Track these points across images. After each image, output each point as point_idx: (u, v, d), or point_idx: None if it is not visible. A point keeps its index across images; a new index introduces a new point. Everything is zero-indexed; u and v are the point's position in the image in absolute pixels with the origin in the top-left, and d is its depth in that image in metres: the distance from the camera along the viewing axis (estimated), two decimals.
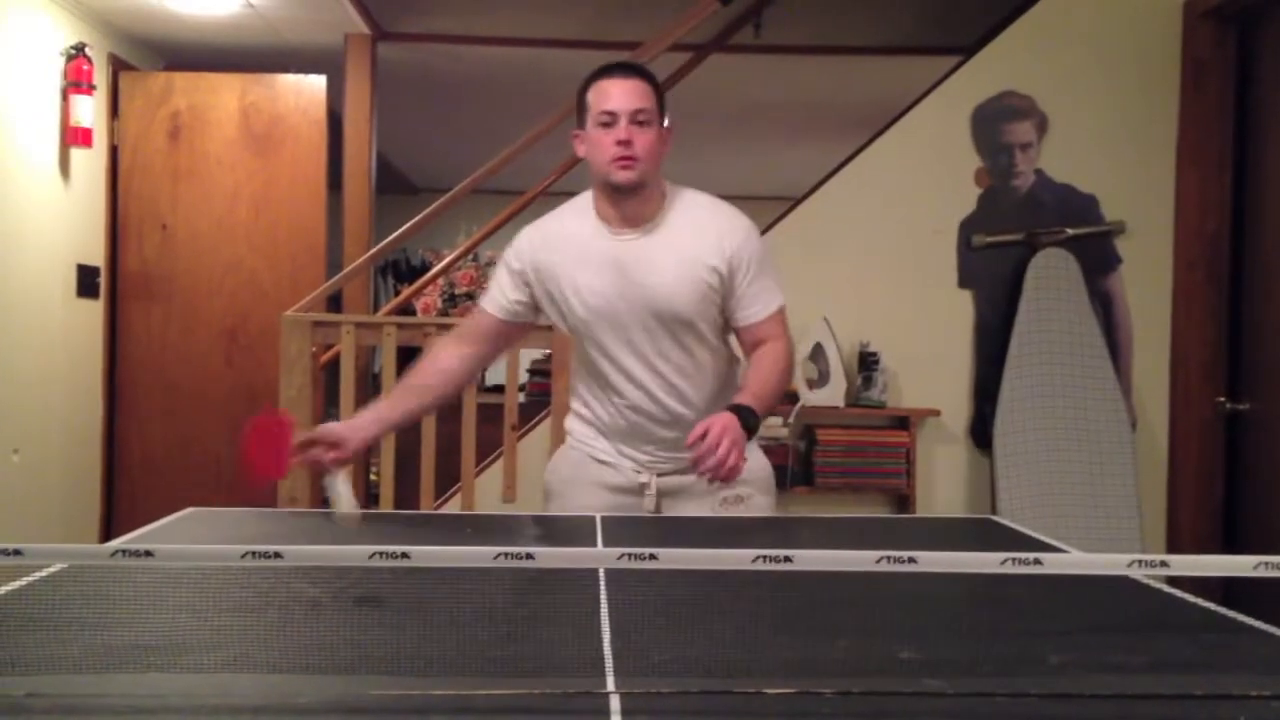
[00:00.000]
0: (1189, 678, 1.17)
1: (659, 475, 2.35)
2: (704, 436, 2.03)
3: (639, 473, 2.36)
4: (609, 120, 2.22)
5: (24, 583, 1.44)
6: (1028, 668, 1.21)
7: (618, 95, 2.22)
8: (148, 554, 1.09)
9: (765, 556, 1.11)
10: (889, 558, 1.10)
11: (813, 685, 1.13)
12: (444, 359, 2.42)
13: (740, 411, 2.10)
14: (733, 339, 2.40)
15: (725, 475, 2.04)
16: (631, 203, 2.26)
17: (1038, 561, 1.10)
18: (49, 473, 4.40)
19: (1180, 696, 1.12)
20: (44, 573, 1.47)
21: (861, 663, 1.22)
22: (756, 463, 2.34)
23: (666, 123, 2.32)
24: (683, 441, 2.15)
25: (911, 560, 1.10)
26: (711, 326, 2.31)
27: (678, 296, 2.24)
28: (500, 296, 2.39)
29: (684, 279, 2.24)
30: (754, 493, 2.35)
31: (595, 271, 2.28)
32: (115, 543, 1.14)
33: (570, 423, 2.51)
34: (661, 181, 2.32)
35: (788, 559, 1.11)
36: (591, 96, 2.27)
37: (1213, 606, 1.42)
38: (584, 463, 2.43)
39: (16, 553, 1.09)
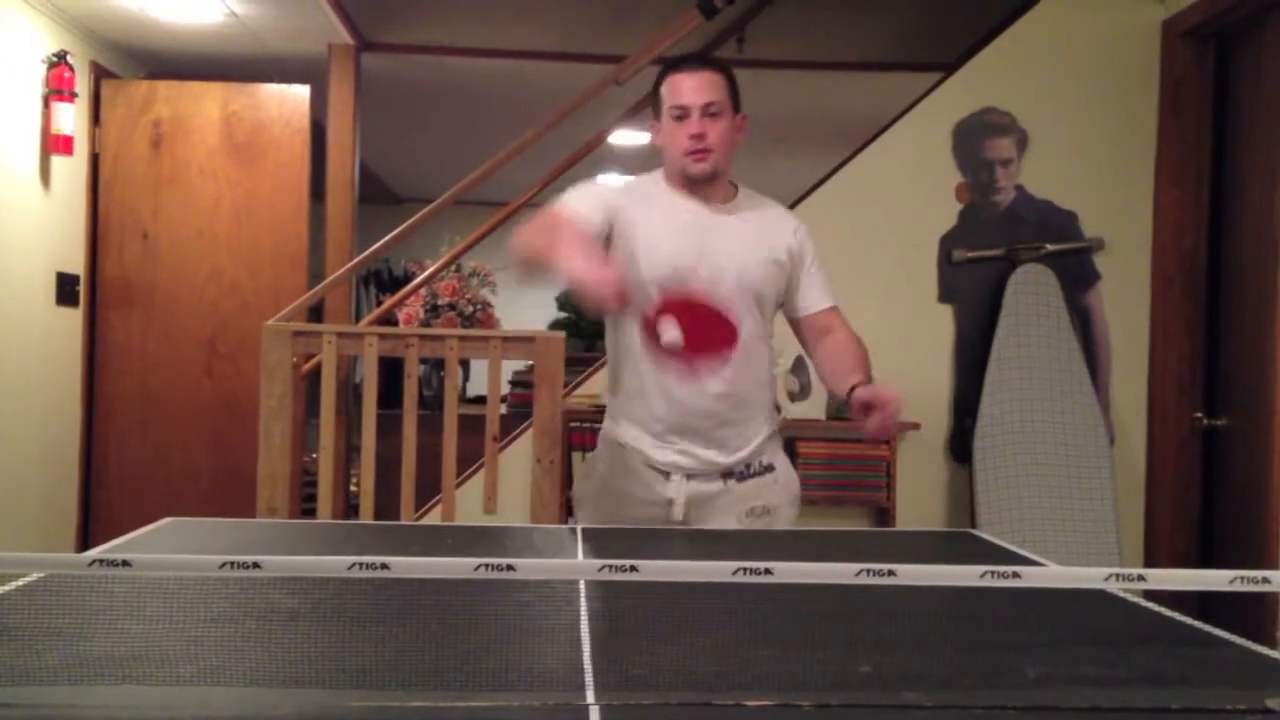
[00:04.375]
0: (1166, 691, 1.18)
1: (688, 478, 2.35)
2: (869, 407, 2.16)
3: (667, 481, 2.35)
4: (681, 114, 2.30)
5: None
6: (1006, 681, 1.22)
7: (689, 89, 2.30)
8: (125, 564, 1.08)
9: (746, 569, 1.11)
10: (868, 570, 1.11)
11: (792, 698, 1.13)
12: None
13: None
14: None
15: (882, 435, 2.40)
16: (706, 190, 2.36)
17: (1016, 575, 1.10)
18: (26, 481, 4.36)
19: (1157, 710, 1.13)
20: (19, 582, 1.46)
21: (840, 675, 1.22)
22: (784, 475, 2.46)
23: (741, 113, 2.39)
24: (717, 436, 2.31)
25: (890, 573, 1.11)
26: (771, 311, 2.44)
27: (756, 269, 2.33)
28: (582, 211, 2.28)
29: (762, 255, 2.34)
30: (781, 504, 2.42)
31: (678, 233, 2.32)
32: (93, 552, 1.13)
33: (604, 430, 2.53)
34: (732, 171, 2.41)
35: (768, 571, 1.11)
36: (665, 90, 2.34)
37: (1189, 620, 1.43)
38: (615, 474, 2.43)
39: None
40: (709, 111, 2.28)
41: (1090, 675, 1.22)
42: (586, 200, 2.32)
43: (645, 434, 2.38)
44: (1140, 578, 1.11)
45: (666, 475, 2.36)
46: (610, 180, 2.45)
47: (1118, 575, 1.10)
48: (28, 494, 4.39)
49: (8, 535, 4.22)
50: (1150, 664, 1.27)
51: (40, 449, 4.47)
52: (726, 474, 2.37)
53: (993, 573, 1.11)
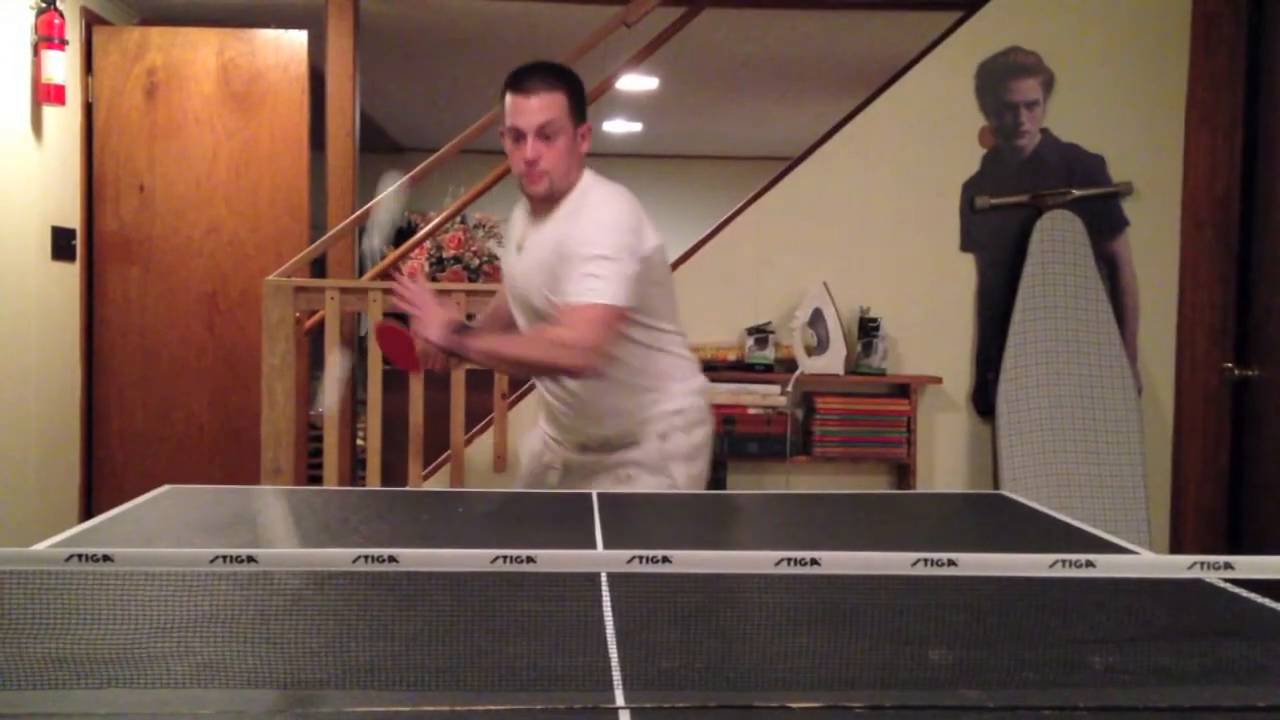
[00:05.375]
0: (1251, 687, 1.07)
1: (567, 452, 2.56)
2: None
3: (545, 450, 2.62)
4: (517, 136, 2.32)
5: None
6: (1072, 674, 1.11)
7: (523, 113, 2.30)
8: (106, 559, 0.98)
9: (790, 559, 1.00)
10: (926, 560, 1.00)
11: (841, 698, 1.03)
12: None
13: (460, 324, 2.30)
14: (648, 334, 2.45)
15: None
16: (543, 204, 2.39)
17: (1090, 564, 0.99)
18: (25, 442, 4.27)
19: (1242, 708, 1.02)
20: None
21: (892, 670, 1.12)
22: (650, 450, 2.44)
23: (585, 123, 2.40)
24: (573, 424, 2.49)
25: (951, 563, 1.00)
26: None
27: (531, 286, 2.38)
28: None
29: (537, 270, 2.35)
30: (641, 473, 2.43)
31: (511, 260, 2.50)
32: (69, 545, 1.02)
33: None
34: (578, 177, 2.39)
35: (814, 562, 1.01)
36: (505, 107, 2.36)
37: (1275, 605, 1.32)
38: (532, 431, 2.74)
39: None
40: (544, 134, 2.29)
41: (1164, 667, 1.12)
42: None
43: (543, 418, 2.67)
44: (1228, 565, 1.00)
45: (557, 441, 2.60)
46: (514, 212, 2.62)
47: (1202, 564, 0.99)
48: (28, 454, 4.30)
49: (8, 497, 4.14)
50: (1232, 655, 1.16)
51: (40, 408, 4.38)
52: (598, 450, 2.50)
53: (1063, 561, 1.00)
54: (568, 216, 2.34)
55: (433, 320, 2.24)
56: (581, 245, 2.24)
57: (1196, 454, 3.86)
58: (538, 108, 2.28)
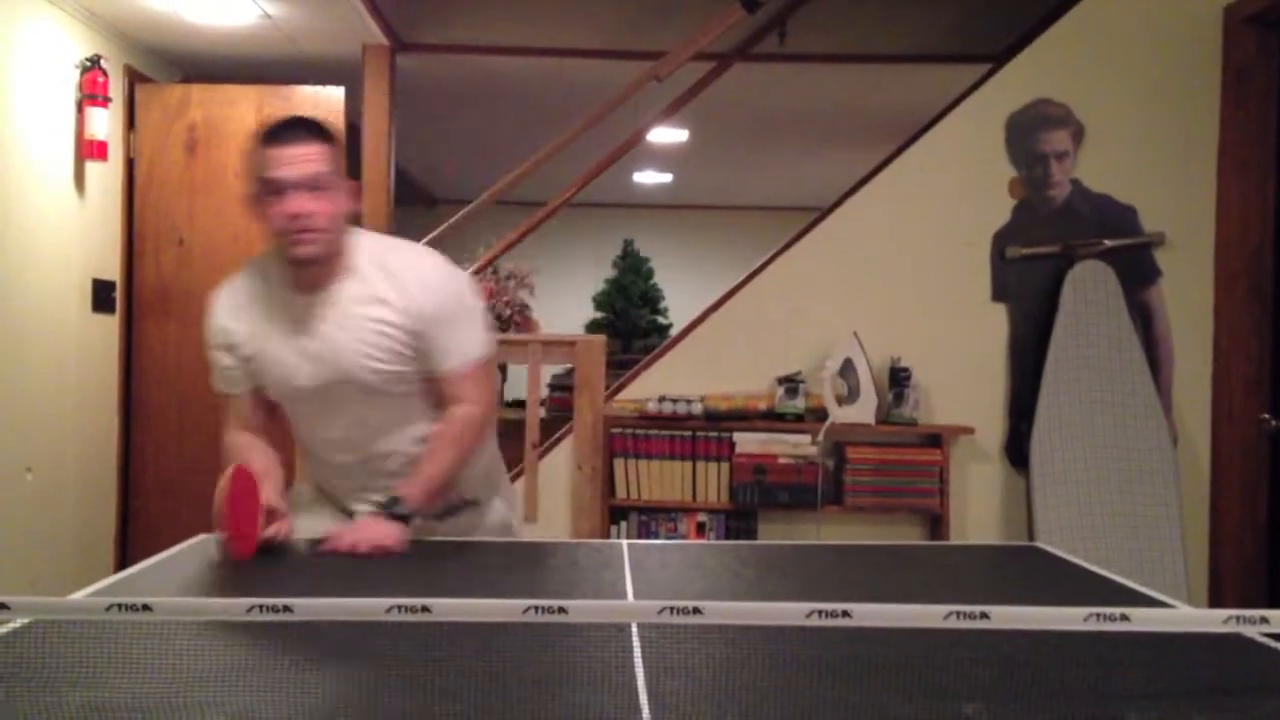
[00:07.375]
0: None
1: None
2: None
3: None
4: (277, 190, 2.00)
5: (8, 629, 1.34)
6: None
7: (286, 162, 1.99)
8: (145, 608, 0.99)
9: (821, 611, 1.00)
10: (959, 613, 1.00)
11: None
12: (245, 449, 2.19)
13: (393, 506, 2.07)
14: None
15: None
16: (313, 272, 2.08)
17: (1125, 618, 0.99)
18: (63, 491, 4.32)
19: None
20: (29, 619, 1.36)
21: None
22: (493, 511, 2.36)
23: (353, 179, 2.14)
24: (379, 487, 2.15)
25: (984, 616, 1.00)
26: (399, 378, 2.14)
27: (353, 363, 2.09)
28: (220, 372, 2.25)
29: (361, 345, 2.08)
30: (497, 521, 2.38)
31: (281, 337, 2.13)
32: (107, 595, 1.04)
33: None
34: (349, 238, 2.11)
35: (846, 614, 1.01)
36: (260, 163, 2.03)
37: None
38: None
39: (2, 607, 0.99)
40: (313, 186, 2.00)
41: None
42: (217, 362, 2.24)
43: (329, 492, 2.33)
44: (1263, 619, 0.99)
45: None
46: (213, 307, 2.27)
47: (1239, 618, 0.98)
48: (65, 504, 4.35)
49: (45, 545, 4.18)
50: (1271, 710, 1.14)
51: (77, 459, 4.43)
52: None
53: (1099, 615, 0.99)
54: (385, 280, 2.08)
55: (373, 544, 2.01)
56: (440, 307, 2.09)
57: (1234, 506, 3.81)
58: (303, 157, 1.99)
